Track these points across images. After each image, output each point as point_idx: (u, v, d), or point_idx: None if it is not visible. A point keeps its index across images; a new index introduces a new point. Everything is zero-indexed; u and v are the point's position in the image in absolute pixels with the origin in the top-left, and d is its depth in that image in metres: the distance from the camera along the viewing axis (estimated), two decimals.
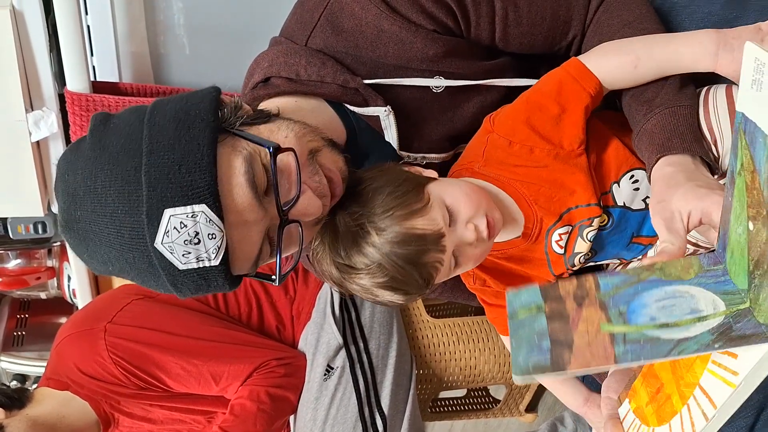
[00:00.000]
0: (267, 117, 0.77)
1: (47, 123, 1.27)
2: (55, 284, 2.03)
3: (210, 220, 0.66)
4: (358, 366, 1.39)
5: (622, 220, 0.87)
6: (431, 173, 0.88)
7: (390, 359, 1.44)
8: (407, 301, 0.86)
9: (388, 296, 0.82)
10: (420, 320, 1.63)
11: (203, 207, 0.65)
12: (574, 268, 0.90)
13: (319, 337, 1.42)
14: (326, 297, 1.47)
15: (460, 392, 2.01)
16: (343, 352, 1.39)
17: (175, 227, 0.65)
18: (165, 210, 0.65)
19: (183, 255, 0.66)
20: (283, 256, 0.75)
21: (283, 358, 1.42)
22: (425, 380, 1.62)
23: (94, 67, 1.29)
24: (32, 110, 1.28)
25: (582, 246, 0.87)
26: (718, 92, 0.77)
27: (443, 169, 0.94)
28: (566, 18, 0.90)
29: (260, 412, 1.33)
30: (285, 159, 0.72)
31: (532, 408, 1.85)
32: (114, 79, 1.29)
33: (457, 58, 0.89)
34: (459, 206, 0.81)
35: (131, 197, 0.66)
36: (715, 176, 0.79)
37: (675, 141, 0.74)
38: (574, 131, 0.84)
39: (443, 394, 1.99)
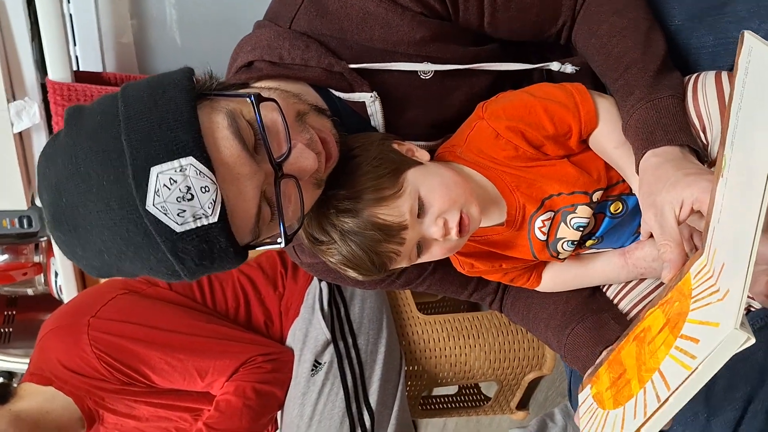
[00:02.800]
0: (245, 84, 0.76)
1: (29, 113, 1.25)
2: (42, 280, 2.01)
3: (200, 172, 0.63)
4: (346, 361, 1.37)
5: (637, 207, 0.85)
6: (423, 154, 0.86)
7: (379, 355, 1.42)
8: (370, 280, 0.86)
9: (349, 273, 0.82)
10: (410, 316, 1.62)
11: (191, 159, 0.63)
12: (561, 256, 0.89)
13: (307, 333, 1.41)
14: (315, 293, 1.46)
15: (452, 389, 2.00)
16: (331, 348, 1.38)
17: (164, 185, 0.63)
18: (151, 169, 0.63)
19: (178, 214, 0.63)
20: (285, 213, 0.72)
21: (270, 353, 1.40)
22: (415, 377, 1.61)
23: (77, 57, 1.27)
24: (14, 100, 1.26)
25: (566, 232, 0.85)
26: (707, 78, 0.75)
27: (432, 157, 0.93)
28: (555, 4, 0.88)
29: (246, 407, 1.32)
30: (270, 116, 0.71)
31: (523, 405, 1.84)
32: (98, 69, 1.27)
33: (446, 42, 0.87)
34: (433, 199, 0.80)
35: (115, 165, 0.64)
36: (705, 164, 0.77)
37: (658, 134, 0.73)
38: (561, 151, 0.85)
39: (434, 391, 1.98)
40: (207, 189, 0.64)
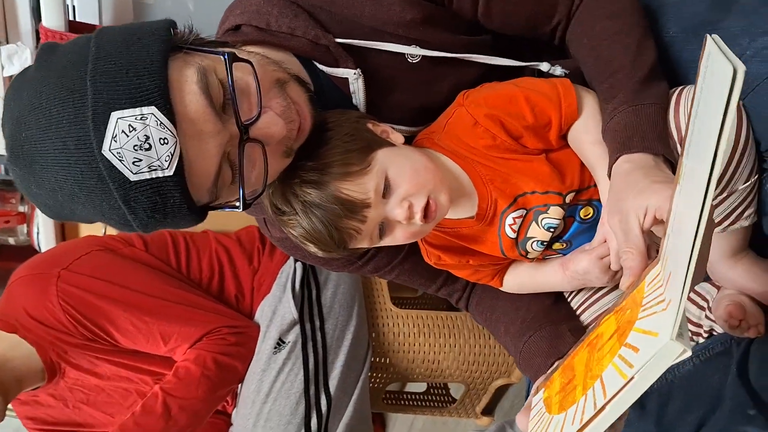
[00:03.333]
0: (224, 43, 0.75)
1: (21, 58, 1.24)
2: (25, 231, 2.00)
3: (161, 122, 0.62)
4: (310, 343, 1.36)
5: None
6: (398, 137, 0.85)
7: (345, 342, 1.41)
8: (330, 257, 0.85)
9: (310, 247, 0.81)
10: (383, 308, 1.61)
11: (153, 109, 0.62)
12: (529, 255, 0.87)
13: (275, 310, 1.40)
14: (289, 272, 1.45)
15: (421, 387, 1.99)
16: (297, 328, 1.37)
17: (123, 131, 0.62)
18: (112, 113, 0.62)
19: (133, 162, 0.63)
20: (247, 178, 0.72)
21: (236, 326, 1.39)
22: (381, 369, 1.60)
23: (74, 7, 1.26)
24: (7, 43, 1.25)
25: (536, 232, 0.84)
26: (690, 92, 0.74)
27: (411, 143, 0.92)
28: (552, 1, 0.87)
29: (204, 377, 1.31)
30: (244, 78, 0.70)
31: (489, 411, 1.83)
32: (93, 21, 1.27)
33: (436, 27, 0.86)
34: (401, 181, 0.79)
35: (76, 104, 0.63)
36: None
37: (635, 140, 0.72)
38: (540, 144, 0.83)
39: (395, 386, 1.97)
40: (166, 141, 0.63)
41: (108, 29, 0.69)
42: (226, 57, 0.68)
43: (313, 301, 1.43)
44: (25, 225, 1.99)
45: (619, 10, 0.84)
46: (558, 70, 0.90)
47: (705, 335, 0.88)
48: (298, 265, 1.45)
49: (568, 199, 0.83)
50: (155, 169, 0.63)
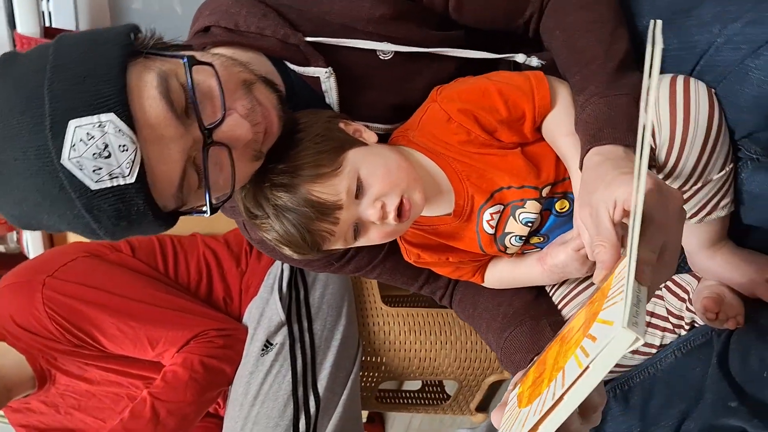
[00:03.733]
0: (188, 46, 0.74)
1: None
2: (15, 238, 1.99)
3: (119, 129, 0.61)
4: (298, 345, 1.35)
5: None
6: (371, 136, 0.85)
7: (334, 342, 1.41)
8: (306, 259, 0.85)
9: (285, 250, 0.81)
10: (374, 307, 1.60)
11: (111, 116, 0.61)
12: (508, 251, 0.87)
13: (262, 312, 1.39)
14: (276, 273, 1.44)
15: (416, 385, 1.98)
16: (284, 329, 1.36)
17: (81, 139, 0.61)
18: (70, 121, 0.61)
19: (94, 171, 0.62)
20: (214, 182, 0.71)
21: (224, 329, 1.39)
22: (372, 368, 1.59)
23: (50, 13, 1.25)
24: None
25: (514, 227, 0.83)
26: (662, 82, 0.73)
27: (387, 140, 0.91)
28: None
29: (191, 380, 1.30)
30: (206, 81, 0.69)
31: (483, 408, 1.82)
32: (70, 27, 1.26)
33: (408, 23, 0.85)
34: (373, 181, 0.78)
35: (35, 114, 0.62)
36: (653, 168, 0.75)
37: (606, 131, 0.71)
38: (515, 137, 0.83)
39: (391, 385, 1.96)
40: (126, 148, 0.62)
41: (67, 36, 0.68)
42: (185, 61, 0.67)
43: (300, 301, 1.42)
44: (15, 232, 1.98)
45: (592, 0, 0.82)
46: (534, 61, 0.89)
47: (687, 327, 0.87)
48: (286, 266, 1.44)
49: (544, 193, 0.82)
50: (116, 177, 0.63)
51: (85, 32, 0.69)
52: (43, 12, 1.23)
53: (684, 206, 0.76)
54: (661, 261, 0.54)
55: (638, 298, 0.49)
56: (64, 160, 0.61)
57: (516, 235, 0.85)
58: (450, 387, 1.98)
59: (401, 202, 0.78)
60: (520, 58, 0.89)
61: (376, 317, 1.59)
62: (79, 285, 1.35)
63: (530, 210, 0.82)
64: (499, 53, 0.90)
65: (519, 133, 0.83)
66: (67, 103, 0.61)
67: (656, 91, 0.45)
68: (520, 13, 0.88)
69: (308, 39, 0.83)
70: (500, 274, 0.93)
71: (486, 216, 0.84)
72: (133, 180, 0.63)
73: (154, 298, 1.39)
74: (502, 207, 0.83)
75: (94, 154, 0.61)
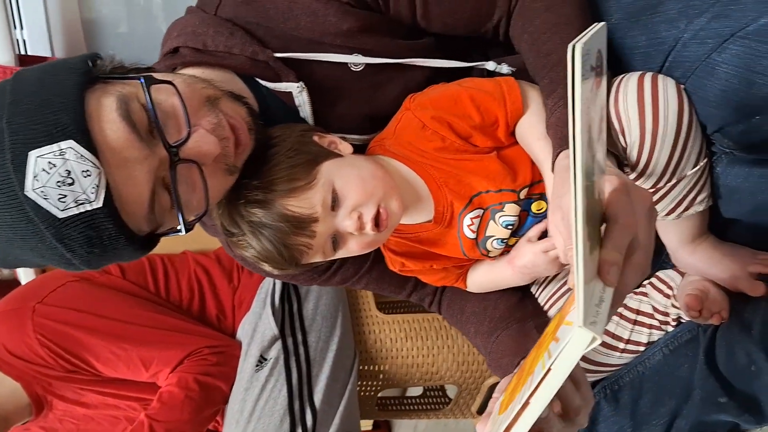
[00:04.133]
0: (149, 69, 0.73)
1: None
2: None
3: (81, 155, 0.61)
4: (293, 358, 1.35)
5: None
6: (346, 147, 0.84)
7: (329, 353, 1.40)
8: (287, 273, 0.84)
9: (264, 266, 0.81)
10: (369, 315, 1.60)
11: (71, 143, 0.61)
12: (491, 254, 0.86)
13: (255, 327, 1.39)
14: (268, 287, 1.44)
15: (418, 390, 1.97)
16: (278, 344, 1.35)
17: (43, 169, 0.61)
18: (30, 153, 0.61)
19: (59, 199, 0.61)
20: (187, 201, 0.71)
21: (217, 346, 1.38)
22: (370, 377, 1.58)
23: (24, 41, 1.25)
24: None
25: (495, 230, 0.83)
26: (630, 80, 0.73)
27: (364, 151, 0.91)
28: None
29: (188, 399, 1.30)
30: (168, 100, 0.69)
31: (484, 411, 1.81)
32: (46, 53, 1.26)
33: (376, 34, 0.85)
34: (348, 192, 0.78)
35: None
36: (625, 167, 0.75)
37: None
38: (489, 142, 0.82)
39: (393, 392, 1.96)
40: (89, 173, 0.62)
41: (25, 70, 0.68)
42: (142, 81, 0.67)
43: (294, 314, 1.42)
44: None
45: (558, 1, 0.82)
46: (505, 68, 0.88)
47: (673, 324, 0.86)
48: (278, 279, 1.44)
49: (522, 195, 0.81)
50: (82, 203, 0.62)
51: (43, 64, 0.69)
52: (17, 40, 1.23)
53: (661, 203, 0.76)
54: (631, 261, 0.54)
55: (601, 299, 0.49)
56: (28, 191, 0.61)
57: (497, 239, 0.84)
58: (451, 391, 1.97)
59: (378, 212, 0.78)
60: (490, 65, 0.89)
61: (371, 325, 1.58)
62: (70, 310, 1.34)
63: (509, 213, 0.82)
64: (472, 59, 0.90)
65: (493, 137, 0.82)
66: (26, 135, 0.61)
67: (580, 86, 0.44)
68: (488, 18, 0.87)
69: (277, 55, 0.83)
70: (478, 278, 0.93)
71: (466, 221, 0.84)
72: (100, 204, 0.63)
73: (145, 319, 1.38)
74: (482, 211, 0.83)
75: (57, 182, 0.61)
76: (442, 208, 0.84)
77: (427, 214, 0.86)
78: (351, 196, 0.78)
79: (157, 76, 0.71)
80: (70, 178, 0.61)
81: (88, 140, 0.62)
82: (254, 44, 0.82)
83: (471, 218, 0.83)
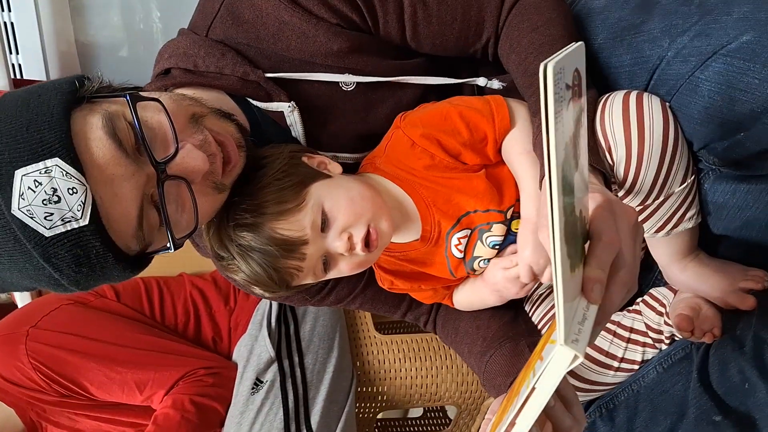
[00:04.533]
0: (136, 88, 0.74)
1: None
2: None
3: (66, 173, 0.61)
4: (289, 380, 1.34)
5: None
6: (335, 167, 0.84)
7: (326, 375, 1.39)
8: (279, 296, 0.83)
9: (255, 289, 0.80)
10: (367, 336, 1.59)
11: (56, 160, 0.61)
12: (477, 273, 0.86)
13: (251, 349, 1.38)
14: (264, 309, 1.43)
15: (418, 412, 1.95)
16: (274, 366, 1.34)
17: (29, 187, 0.61)
18: (15, 172, 0.61)
19: (45, 218, 0.61)
20: (176, 220, 0.70)
21: (213, 367, 1.37)
22: (368, 398, 1.57)
23: (20, 65, 1.26)
24: None
25: (482, 251, 0.83)
26: (616, 98, 0.73)
27: (357, 170, 0.91)
28: (478, 19, 0.87)
29: (184, 420, 1.29)
30: (155, 117, 0.69)
31: None
32: (41, 77, 1.27)
33: (366, 54, 0.86)
34: (337, 213, 0.78)
35: None
36: (613, 185, 0.75)
37: None
38: (478, 159, 0.83)
39: (394, 414, 1.94)
40: (75, 191, 0.62)
41: (11, 93, 0.68)
42: (128, 98, 0.67)
43: (291, 336, 1.41)
44: None
45: (544, 21, 0.83)
46: (495, 84, 0.89)
47: (667, 341, 0.86)
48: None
49: (508, 215, 0.82)
50: (69, 221, 0.62)
51: (29, 87, 0.69)
52: (12, 64, 1.24)
53: (649, 220, 0.76)
54: (616, 279, 0.54)
55: (584, 317, 0.49)
56: (15, 210, 0.61)
57: (484, 259, 0.84)
58: (452, 412, 1.95)
59: (368, 232, 0.78)
60: (481, 81, 0.90)
61: (370, 346, 1.57)
62: (63, 334, 1.34)
63: (496, 233, 0.82)
64: (462, 77, 0.91)
65: (482, 154, 0.83)
66: (11, 154, 0.61)
67: (554, 104, 0.44)
68: (477, 38, 0.88)
69: (268, 75, 0.83)
70: (463, 296, 0.93)
71: (454, 241, 0.84)
72: (86, 222, 0.62)
73: (139, 342, 1.38)
74: (470, 231, 0.83)
75: (43, 200, 0.61)
76: (429, 228, 0.84)
77: (415, 233, 0.86)
78: (340, 217, 0.78)
79: (144, 93, 0.71)
80: (56, 195, 0.61)
81: (73, 158, 0.62)
82: (245, 65, 0.83)
83: (458, 238, 0.83)
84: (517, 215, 0.82)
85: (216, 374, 1.36)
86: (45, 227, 0.62)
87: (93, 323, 1.38)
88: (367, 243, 0.78)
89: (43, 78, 1.25)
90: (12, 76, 1.24)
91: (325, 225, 0.78)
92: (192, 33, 0.87)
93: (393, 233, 0.83)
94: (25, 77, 1.27)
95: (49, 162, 0.61)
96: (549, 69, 0.42)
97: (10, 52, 1.24)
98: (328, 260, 0.80)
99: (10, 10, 1.21)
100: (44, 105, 0.64)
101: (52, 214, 0.62)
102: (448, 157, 0.82)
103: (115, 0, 1.38)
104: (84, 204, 0.62)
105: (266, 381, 1.33)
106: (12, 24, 1.21)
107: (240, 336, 1.45)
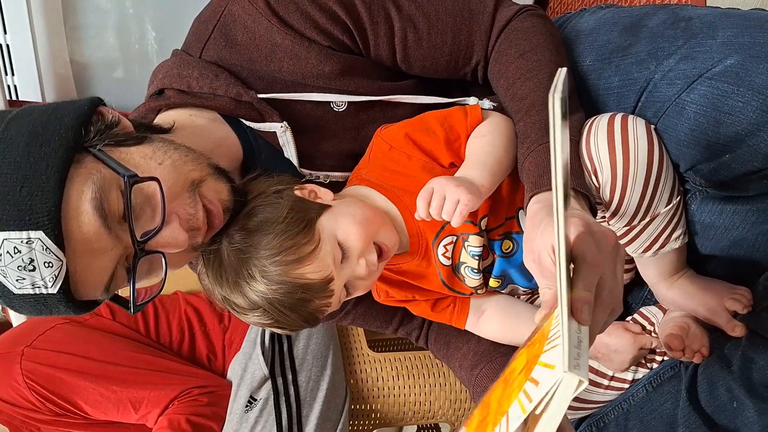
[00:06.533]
0: (142, 138, 0.73)
1: None
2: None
3: (46, 248, 0.62)
4: (283, 398, 1.34)
5: None
6: (326, 194, 0.83)
7: (320, 392, 1.39)
8: (296, 331, 0.82)
9: (275, 330, 0.80)
10: (360, 353, 1.59)
11: (40, 234, 0.62)
12: (467, 282, 0.86)
13: (245, 368, 1.38)
14: (258, 327, 1.43)
15: (412, 429, 1.95)
16: (268, 384, 1.34)
17: (8, 251, 0.62)
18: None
19: (17, 280, 0.63)
20: (144, 285, 0.72)
21: (207, 386, 1.37)
22: (362, 416, 1.57)
23: (15, 87, 1.27)
24: None
25: (467, 258, 0.83)
26: (601, 121, 0.74)
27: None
28: (468, 43, 0.88)
29: None
30: (150, 186, 0.68)
31: None
32: (36, 99, 1.28)
33: (358, 76, 0.87)
34: (351, 242, 0.78)
35: None
36: (599, 207, 0.76)
37: (545, 177, 0.71)
38: (452, 158, 0.83)
39: (389, 431, 1.93)
40: (50, 265, 0.63)
41: (21, 116, 0.68)
42: (126, 179, 0.66)
43: (284, 354, 1.41)
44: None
45: (532, 46, 0.84)
46: (486, 104, 0.90)
47: (658, 360, 0.86)
48: None
49: (482, 225, 0.82)
50: (38, 287, 0.64)
51: (35, 119, 0.67)
52: (8, 85, 1.24)
53: (636, 241, 0.77)
54: (600, 300, 0.54)
55: (579, 339, 0.49)
56: None
57: (470, 267, 0.84)
58: (446, 429, 1.95)
59: (380, 246, 0.79)
60: (472, 101, 0.91)
61: (363, 364, 1.57)
62: (59, 353, 1.34)
63: (474, 244, 0.82)
64: (453, 97, 0.92)
65: (457, 155, 0.83)
66: (0, 211, 0.62)
67: (560, 133, 0.45)
68: (466, 62, 0.90)
69: (261, 96, 0.84)
70: (488, 325, 0.92)
71: (440, 249, 0.84)
72: (55, 291, 0.64)
73: (134, 360, 1.38)
74: (455, 237, 0.84)
75: (19, 266, 0.62)
76: (415, 238, 0.84)
77: (404, 245, 0.86)
78: (354, 245, 0.78)
79: (142, 162, 0.70)
80: (32, 265, 0.62)
81: (57, 234, 0.62)
82: (238, 86, 0.84)
83: (444, 245, 0.84)
84: (502, 237, 0.83)
85: (211, 393, 1.36)
86: (15, 287, 0.64)
87: (88, 342, 1.38)
88: (379, 255, 0.80)
89: (39, 99, 1.26)
90: (7, 98, 1.25)
91: (342, 255, 0.78)
92: (186, 54, 0.88)
93: (397, 238, 0.83)
94: (20, 98, 1.27)
95: (33, 234, 0.62)
96: (556, 100, 0.43)
97: (6, 74, 1.25)
98: (348, 286, 0.80)
99: (5, 32, 1.22)
100: (43, 161, 0.64)
101: (24, 278, 0.63)
102: (424, 157, 0.83)
103: (110, 21, 1.39)
104: (57, 277, 0.64)
105: (260, 399, 1.32)
106: (7, 45, 1.22)
107: (234, 354, 1.45)
